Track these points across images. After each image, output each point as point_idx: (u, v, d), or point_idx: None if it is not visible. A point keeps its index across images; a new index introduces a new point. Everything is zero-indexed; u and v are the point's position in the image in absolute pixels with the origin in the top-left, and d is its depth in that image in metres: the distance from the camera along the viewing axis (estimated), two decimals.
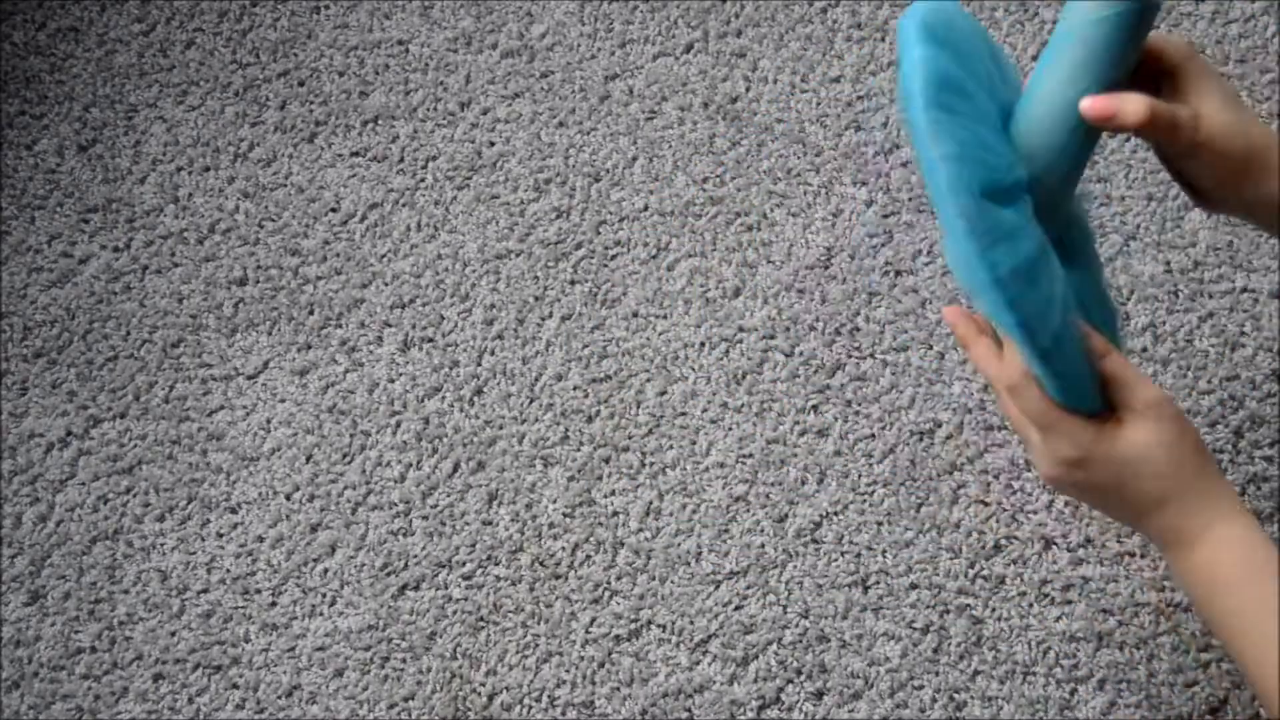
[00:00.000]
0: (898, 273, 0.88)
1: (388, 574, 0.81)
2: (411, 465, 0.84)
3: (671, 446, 0.84)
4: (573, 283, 0.89)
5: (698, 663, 0.77)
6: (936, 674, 0.76)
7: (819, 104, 0.95)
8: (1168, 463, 0.54)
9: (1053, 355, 0.53)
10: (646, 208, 0.92)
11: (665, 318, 0.88)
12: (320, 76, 0.98)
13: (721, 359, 0.86)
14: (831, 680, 0.77)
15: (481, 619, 0.80)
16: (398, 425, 0.85)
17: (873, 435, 0.83)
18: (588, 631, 0.79)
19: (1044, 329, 0.52)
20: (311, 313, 0.90)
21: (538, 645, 0.79)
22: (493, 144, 0.95)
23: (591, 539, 0.81)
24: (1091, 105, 0.52)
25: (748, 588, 0.79)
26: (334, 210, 0.93)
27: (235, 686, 0.79)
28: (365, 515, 0.83)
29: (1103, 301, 0.62)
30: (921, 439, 0.82)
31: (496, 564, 0.81)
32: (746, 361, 0.86)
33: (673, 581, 0.80)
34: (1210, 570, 0.54)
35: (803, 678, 0.77)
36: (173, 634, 0.80)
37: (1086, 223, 0.62)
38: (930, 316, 0.86)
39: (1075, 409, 0.55)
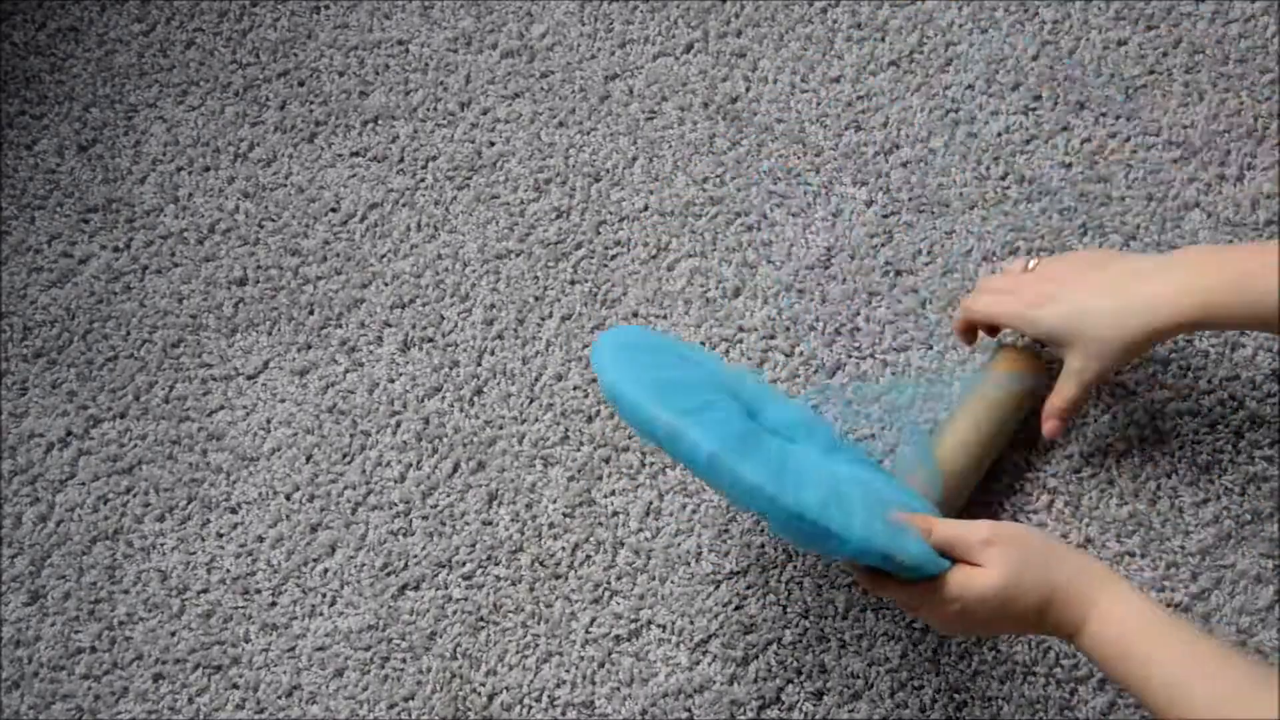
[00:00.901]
0: (898, 273, 0.88)
1: (388, 574, 0.81)
2: (411, 465, 0.84)
3: None
4: (573, 283, 0.89)
5: (698, 663, 0.77)
6: (936, 674, 0.76)
7: (819, 104, 0.95)
8: (1027, 577, 0.61)
9: (890, 558, 0.60)
10: (646, 208, 0.92)
11: (665, 318, 0.88)
12: (320, 76, 0.98)
13: (721, 359, 0.86)
14: (831, 680, 0.77)
15: (481, 619, 0.80)
16: (398, 425, 0.85)
17: (873, 435, 0.83)
18: (588, 631, 0.79)
19: (859, 533, 0.60)
20: (311, 313, 0.90)
21: (538, 645, 0.79)
22: (493, 144, 0.95)
23: (591, 539, 0.81)
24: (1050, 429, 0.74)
25: (748, 588, 0.79)
26: (334, 210, 0.93)
27: (235, 686, 0.79)
28: (365, 515, 0.83)
29: (905, 487, 0.72)
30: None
31: (496, 564, 0.81)
32: (746, 361, 0.86)
33: (673, 581, 0.80)
34: (1103, 647, 0.59)
35: (803, 678, 0.77)
36: (173, 634, 0.80)
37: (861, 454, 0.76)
38: (930, 316, 0.86)
39: (932, 575, 0.62)
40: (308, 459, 0.85)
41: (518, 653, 0.78)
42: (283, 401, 0.87)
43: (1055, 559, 0.61)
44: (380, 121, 0.96)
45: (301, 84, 0.98)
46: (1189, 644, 0.57)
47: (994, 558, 0.61)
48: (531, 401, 0.86)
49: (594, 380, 0.86)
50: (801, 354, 0.86)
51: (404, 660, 0.79)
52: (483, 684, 0.78)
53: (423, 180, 0.94)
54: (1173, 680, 0.56)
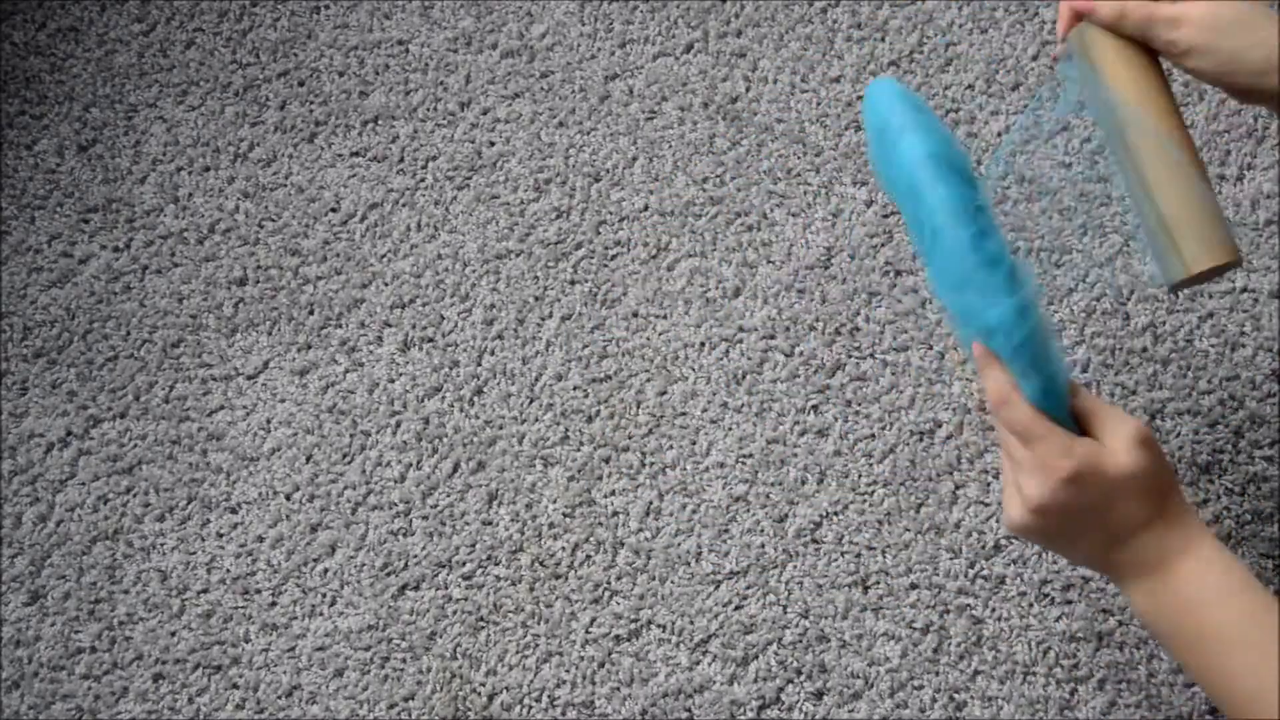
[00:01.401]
0: (898, 273, 0.88)
1: (388, 574, 0.81)
2: (411, 465, 0.84)
3: (671, 446, 0.84)
4: (573, 283, 0.89)
5: (698, 663, 0.77)
6: (936, 674, 0.76)
7: (819, 104, 0.95)
8: (1152, 487, 0.55)
9: (1045, 364, 0.55)
10: (646, 208, 0.92)
11: (665, 318, 0.88)
12: (320, 76, 0.98)
13: (721, 359, 0.86)
14: (831, 680, 0.77)
15: (481, 619, 0.80)
16: (398, 425, 0.85)
17: (873, 435, 0.83)
18: (588, 631, 0.79)
19: (1044, 340, 0.55)
20: (311, 313, 0.90)
21: (538, 645, 0.79)
22: (493, 144, 0.95)
23: (591, 539, 0.81)
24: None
25: (748, 588, 0.79)
26: (334, 210, 0.93)
27: (235, 686, 0.79)
28: (365, 515, 0.83)
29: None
30: (921, 439, 0.82)
31: (496, 564, 0.81)
32: (746, 361, 0.86)
33: (673, 581, 0.80)
34: (1190, 590, 0.54)
35: (803, 678, 0.77)
36: (173, 634, 0.80)
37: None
38: (930, 316, 0.86)
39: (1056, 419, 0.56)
40: (308, 459, 0.85)
41: (518, 653, 0.78)
42: (283, 401, 0.87)
43: (1177, 491, 0.56)
44: (380, 121, 0.96)
45: (301, 84, 0.98)
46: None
47: (1135, 445, 0.55)
48: (531, 401, 0.86)
49: (594, 380, 0.86)
50: (801, 354, 0.86)
51: (404, 660, 0.79)
52: (483, 684, 0.78)
53: (423, 180, 0.94)
54: (1264, 641, 0.52)
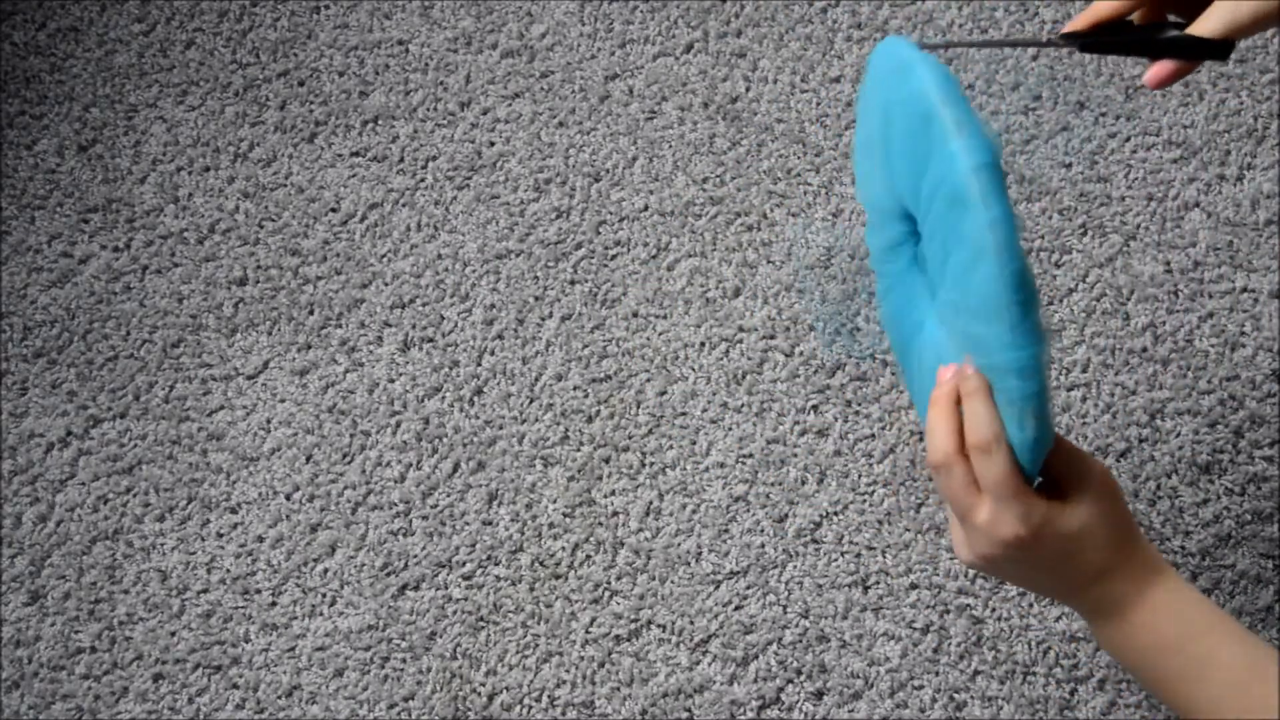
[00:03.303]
0: None
1: (388, 574, 0.81)
2: (411, 465, 0.84)
3: (671, 446, 0.84)
4: (573, 283, 0.89)
5: (698, 663, 0.77)
6: (936, 674, 0.76)
7: (819, 104, 0.95)
8: (1111, 535, 0.53)
9: (1047, 418, 0.50)
10: (646, 208, 0.92)
11: (665, 318, 0.88)
12: (320, 76, 0.98)
13: (721, 359, 0.86)
14: (831, 680, 0.77)
15: (481, 619, 0.80)
16: (398, 425, 0.85)
17: (873, 435, 0.83)
18: (588, 631, 0.79)
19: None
20: (311, 313, 0.90)
21: (538, 645, 0.79)
22: (493, 144, 0.95)
23: (591, 539, 0.81)
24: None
25: (748, 588, 0.79)
26: (334, 210, 0.93)
27: (235, 686, 0.79)
28: (365, 515, 0.83)
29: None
30: (921, 439, 0.82)
31: (496, 564, 0.81)
32: (746, 361, 0.86)
33: (673, 581, 0.80)
34: (1148, 634, 0.54)
35: (803, 678, 0.77)
36: (173, 634, 0.80)
37: None
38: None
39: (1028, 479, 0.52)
40: (308, 459, 0.85)
41: (518, 653, 0.78)
42: (283, 401, 0.87)
43: (1134, 531, 0.54)
44: (380, 121, 0.96)
45: (301, 84, 0.98)
46: (1249, 646, 0.53)
47: (1095, 494, 0.53)
48: (531, 401, 0.86)
49: (594, 380, 0.86)
50: (802, 354, 0.86)
51: (404, 660, 0.79)
52: (483, 684, 0.78)
53: (423, 180, 0.94)
54: (1232, 681, 0.52)
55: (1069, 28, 0.57)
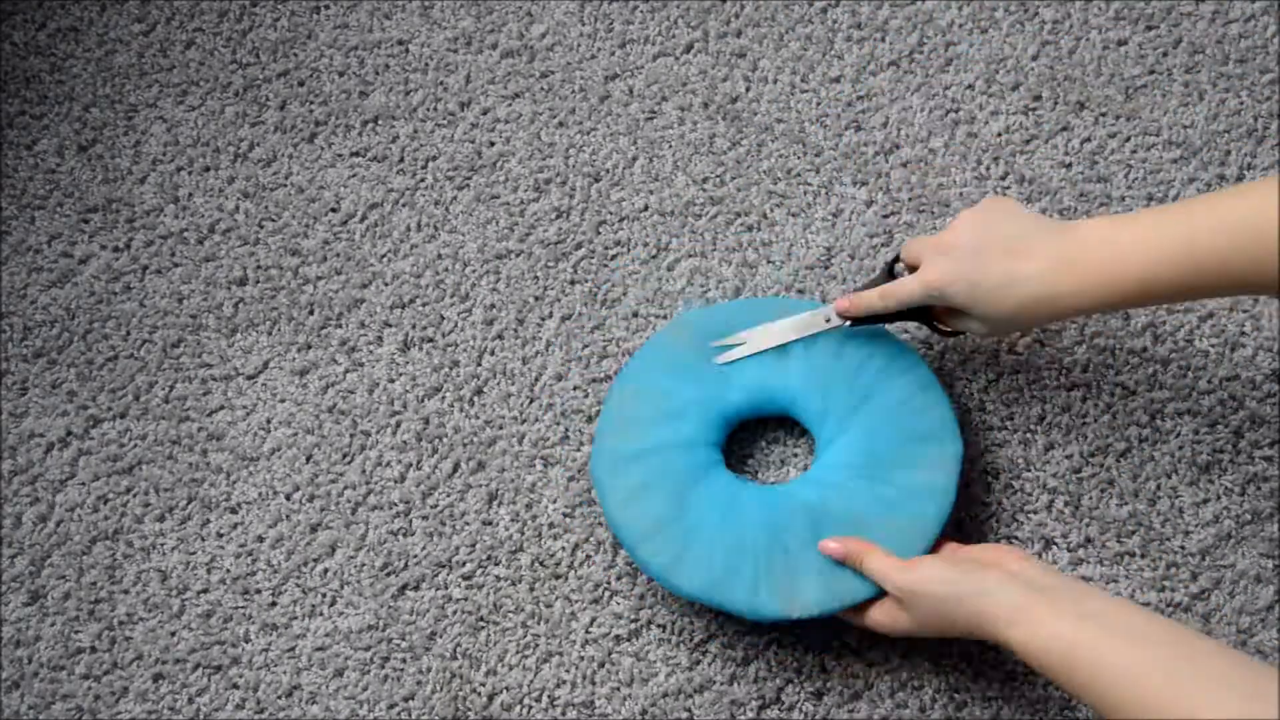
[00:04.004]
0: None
1: (388, 574, 0.81)
2: (411, 465, 0.84)
3: None
4: (573, 283, 0.90)
5: (698, 663, 0.77)
6: (937, 674, 0.76)
7: (819, 104, 0.95)
8: (941, 620, 0.67)
9: (767, 618, 0.74)
10: (646, 208, 0.92)
11: (665, 318, 0.88)
12: (320, 76, 0.98)
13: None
14: (831, 680, 0.77)
15: (481, 619, 0.80)
16: (398, 425, 0.85)
17: None
18: (588, 631, 0.79)
19: None
20: (311, 313, 0.90)
21: (538, 645, 0.79)
22: (493, 144, 0.95)
23: (591, 539, 0.81)
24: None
25: None
26: (334, 210, 0.93)
27: (235, 686, 0.79)
28: (365, 515, 0.83)
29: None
30: None
31: (496, 564, 0.81)
32: None
33: None
34: (1038, 666, 0.60)
35: (803, 678, 0.77)
36: (173, 634, 0.80)
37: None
38: None
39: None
40: (308, 459, 0.85)
41: (518, 653, 0.79)
42: (283, 401, 0.87)
43: (968, 600, 0.64)
44: (380, 121, 0.96)
45: (301, 84, 0.98)
46: (1133, 654, 0.56)
47: (927, 567, 0.68)
48: (531, 401, 0.86)
49: (594, 380, 0.86)
50: None
51: (404, 660, 0.79)
52: (483, 684, 0.78)
53: (423, 180, 0.94)
54: (1124, 679, 0.55)
55: (846, 310, 0.76)
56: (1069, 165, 0.91)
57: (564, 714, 0.77)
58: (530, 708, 0.77)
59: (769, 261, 0.89)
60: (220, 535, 0.83)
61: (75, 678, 0.79)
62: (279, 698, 0.78)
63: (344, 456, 0.85)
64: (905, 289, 0.72)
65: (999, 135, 0.93)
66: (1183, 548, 0.79)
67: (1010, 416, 0.83)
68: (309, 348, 0.88)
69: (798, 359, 0.78)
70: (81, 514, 0.84)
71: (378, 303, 0.90)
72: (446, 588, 0.80)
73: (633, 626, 0.79)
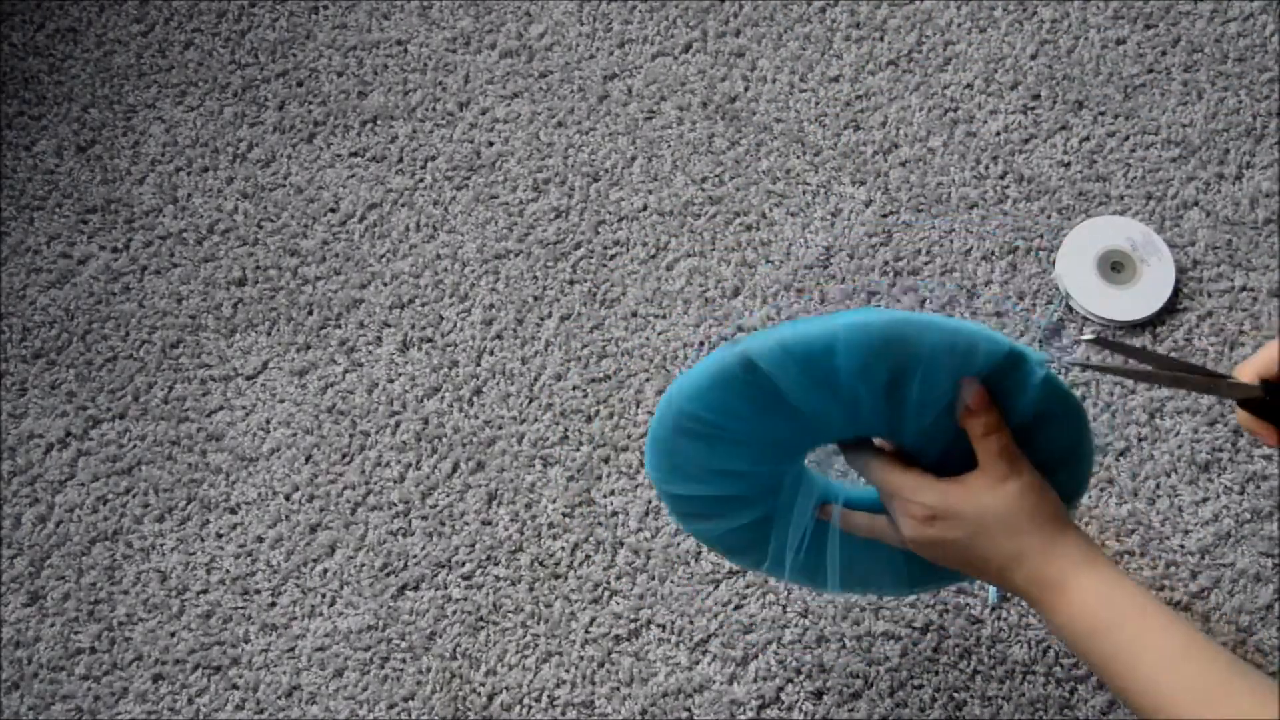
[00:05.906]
0: (897, 273, 0.88)
1: (388, 574, 0.81)
2: (411, 465, 0.84)
3: None
4: (572, 283, 0.89)
5: (698, 662, 0.77)
6: (936, 674, 0.76)
7: (818, 103, 0.95)
8: (1025, 525, 0.56)
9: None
10: (645, 207, 0.92)
11: (664, 317, 0.88)
12: (319, 76, 0.98)
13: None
14: (831, 680, 0.77)
15: (481, 619, 0.80)
16: (397, 425, 0.85)
17: None
18: (588, 631, 0.79)
19: None
20: (310, 313, 0.90)
21: (538, 645, 0.79)
22: (491, 144, 0.95)
23: (591, 539, 0.81)
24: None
25: (747, 587, 0.79)
26: (333, 210, 0.93)
27: (235, 687, 0.79)
28: (365, 515, 0.83)
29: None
30: None
31: (496, 564, 0.81)
32: None
33: (672, 581, 0.80)
34: (1082, 619, 0.56)
35: (802, 677, 0.77)
36: (172, 634, 0.80)
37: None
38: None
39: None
40: (307, 459, 0.85)
41: (518, 653, 0.78)
42: (282, 402, 0.87)
43: (1057, 523, 0.57)
44: (379, 121, 0.96)
45: (300, 84, 0.98)
46: (1179, 629, 0.55)
47: (993, 490, 0.57)
48: (531, 401, 0.86)
49: (593, 380, 0.86)
50: None
51: (404, 660, 0.79)
52: (483, 684, 0.78)
53: (422, 180, 0.94)
54: (1163, 662, 0.54)
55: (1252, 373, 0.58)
56: (1068, 164, 0.91)
57: (564, 714, 0.77)
58: (530, 707, 0.77)
59: (768, 261, 0.89)
60: (220, 536, 0.83)
61: (75, 678, 0.79)
62: (279, 698, 0.78)
63: (343, 457, 0.85)
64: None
65: (998, 134, 0.93)
66: (1182, 546, 0.79)
67: None
68: (308, 348, 0.88)
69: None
70: (81, 515, 0.84)
71: (377, 303, 0.90)
72: (446, 588, 0.80)
73: (632, 626, 0.79)
